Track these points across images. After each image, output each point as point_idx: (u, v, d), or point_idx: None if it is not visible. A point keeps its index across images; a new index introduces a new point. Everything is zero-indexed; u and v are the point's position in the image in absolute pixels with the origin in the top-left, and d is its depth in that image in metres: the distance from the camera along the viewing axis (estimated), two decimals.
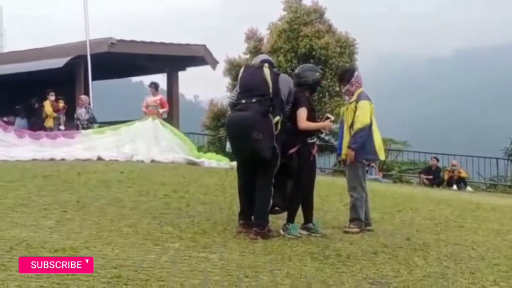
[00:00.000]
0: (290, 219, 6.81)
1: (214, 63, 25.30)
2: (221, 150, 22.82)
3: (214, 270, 4.94)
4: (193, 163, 14.68)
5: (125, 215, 7.08)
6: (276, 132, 6.43)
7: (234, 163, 14.36)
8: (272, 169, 6.55)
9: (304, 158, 6.83)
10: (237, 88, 6.79)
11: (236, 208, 7.29)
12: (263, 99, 6.39)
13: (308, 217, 7.00)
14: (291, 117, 6.77)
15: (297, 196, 6.85)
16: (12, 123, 19.11)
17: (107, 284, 4.31)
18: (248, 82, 6.60)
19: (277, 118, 6.46)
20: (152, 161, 14.23)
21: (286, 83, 6.72)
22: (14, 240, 5.39)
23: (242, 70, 6.86)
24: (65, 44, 22.73)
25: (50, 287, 4.16)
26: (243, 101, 6.49)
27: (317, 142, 7.32)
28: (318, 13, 29.60)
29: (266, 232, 6.47)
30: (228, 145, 21.59)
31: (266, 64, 6.65)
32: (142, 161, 14.02)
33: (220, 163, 14.76)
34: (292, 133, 6.75)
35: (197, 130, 29.11)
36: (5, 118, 18.42)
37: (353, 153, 7.29)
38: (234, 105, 6.69)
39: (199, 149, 19.28)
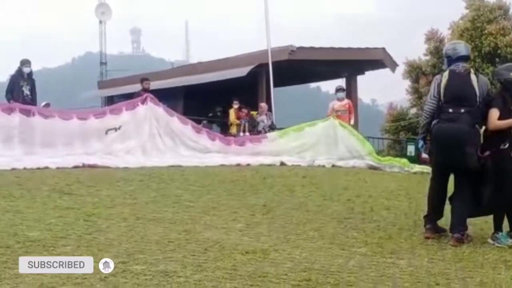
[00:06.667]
0: (498, 228, 6.45)
1: (393, 66, 24.96)
2: (401, 154, 22.40)
3: (403, 276, 4.85)
4: (374, 168, 14.56)
5: (310, 219, 7.19)
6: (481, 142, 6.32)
7: (417, 168, 14.19)
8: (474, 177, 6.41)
9: (502, 163, 6.32)
10: (433, 93, 6.49)
11: (422, 214, 7.11)
12: (472, 110, 6.22)
13: None
14: (486, 119, 6.41)
15: (500, 203, 6.43)
16: None
17: (297, 286, 4.38)
18: (457, 91, 6.33)
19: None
20: (333, 166, 14.34)
21: (485, 85, 6.43)
22: (208, 242, 5.60)
23: (447, 76, 6.42)
24: (248, 54, 23.54)
25: None
26: (450, 110, 6.29)
27: None
28: (502, 9, 28.40)
29: (464, 239, 6.30)
30: (409, 149, 21.17)
31: (472, 70, 6.46)
32: (323, 166, 14.17)
33: (403, 168, 14.47)
34: (485, 137, 6.43)
35: (375, 134, 28.88)
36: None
37: None
38: (433, 113, 6.48)
39: (378, 153, 19.04)
